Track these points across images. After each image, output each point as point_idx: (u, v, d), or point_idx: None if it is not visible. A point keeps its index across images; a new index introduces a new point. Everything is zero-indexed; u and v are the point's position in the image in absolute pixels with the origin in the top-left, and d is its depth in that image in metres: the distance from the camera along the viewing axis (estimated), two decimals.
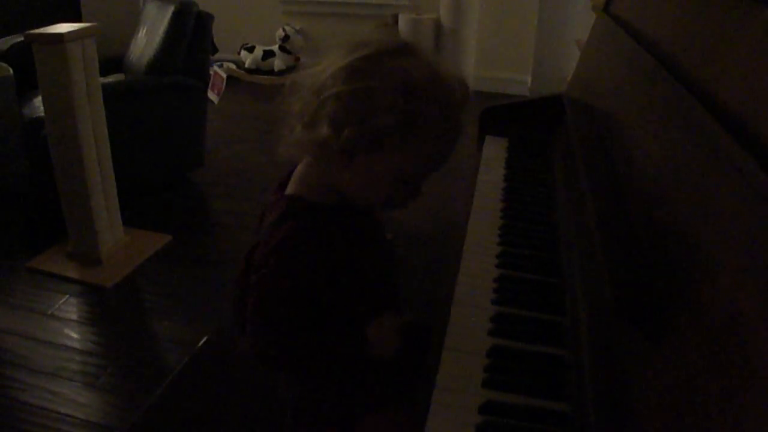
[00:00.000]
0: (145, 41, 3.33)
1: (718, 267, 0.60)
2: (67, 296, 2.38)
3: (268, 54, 5.37)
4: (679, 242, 0.71)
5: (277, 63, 5.36)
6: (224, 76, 3.66)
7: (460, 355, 0.86)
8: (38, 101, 2.69)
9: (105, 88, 2.54)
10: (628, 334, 0.72)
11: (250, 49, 5.42)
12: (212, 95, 3.49)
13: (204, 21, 3.28)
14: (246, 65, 5.40)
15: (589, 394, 0.73)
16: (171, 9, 3.21)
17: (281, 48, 5.36)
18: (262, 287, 0.87)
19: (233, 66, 5.15)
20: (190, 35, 3.21)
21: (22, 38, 2.48)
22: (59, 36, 2.21)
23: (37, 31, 2.26)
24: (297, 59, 5.42)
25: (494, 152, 1.62)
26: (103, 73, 2.82)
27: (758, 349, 0.49)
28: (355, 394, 0.98)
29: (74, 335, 2.17)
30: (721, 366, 0.53)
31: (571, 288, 0.97)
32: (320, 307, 0.89)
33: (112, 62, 3.47)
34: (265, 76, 5.30)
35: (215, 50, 3.77)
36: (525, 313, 0.96)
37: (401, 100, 0.78)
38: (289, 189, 0.92)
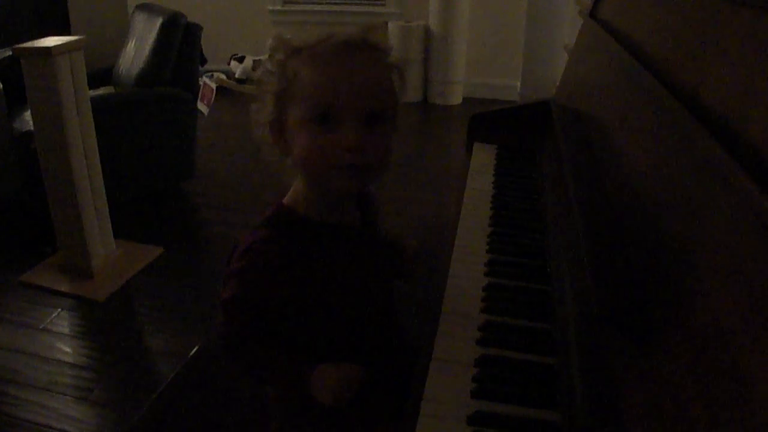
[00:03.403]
0: (134, 53, 3.33)
1: (705, 274, 0.60)
2: (59, 310, 2.37)
3: (259, 64, 5.36)
4: (666, 248, 0.71)
5: None
6: (214, 86, 3.66)
7: (449, 365, 0.85)
8: (29, 115, 2.67)
9: (94, 100, 2.54)
10: (617, 342, 0.72)
11: (240, 59, 5.41)
12: (202, 106, 3.49)
13: (192, 32, 3.28)
14: (236, 75, 5.39)
15: (578, 403, 0.73)
16: (159, 21, 3.21)
17: None
18: (227, 285, 0.89)
19: (223, 76, 5.14)
20: (179, 47, 3.21)
21: (11, 52, 2.48)
22: (47, 49, 2.20)
23: (25, 45, 2.26)
24: None
25: (483, 159, 1.62)
26: (93, 85, 2.81)
27: (743, 357, 0.49)
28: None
29: (66, 349, 2.16)
30: (708, 374, 0.53)
31: (559, 296, 0.97)
32: (281, 319, 0.90)
33: (102, 75, 3.47)
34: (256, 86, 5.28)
35: (204, 61, 3.77)
36: (514, 321, 0.95)
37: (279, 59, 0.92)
38: (285, 198, 0.94)
